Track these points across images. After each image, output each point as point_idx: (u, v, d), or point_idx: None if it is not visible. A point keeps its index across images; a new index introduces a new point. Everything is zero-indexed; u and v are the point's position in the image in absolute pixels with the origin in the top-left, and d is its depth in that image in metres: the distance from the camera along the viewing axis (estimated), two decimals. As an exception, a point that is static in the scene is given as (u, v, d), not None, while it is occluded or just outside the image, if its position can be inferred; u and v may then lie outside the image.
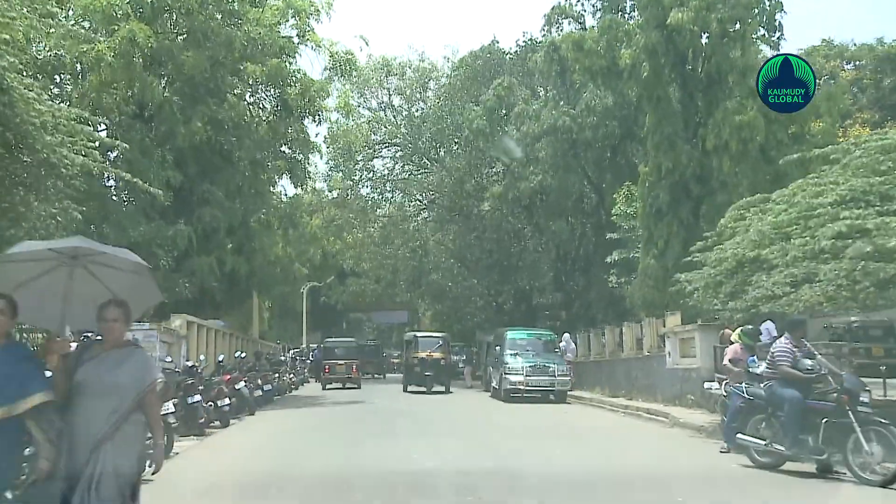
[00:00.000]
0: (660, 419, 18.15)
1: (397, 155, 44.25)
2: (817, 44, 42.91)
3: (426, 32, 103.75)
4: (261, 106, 27.35)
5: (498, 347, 25.86)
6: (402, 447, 13.74)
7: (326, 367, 33.70)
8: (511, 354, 25.13)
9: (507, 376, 24.44)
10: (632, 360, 24.81)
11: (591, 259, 36.06)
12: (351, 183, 43.12)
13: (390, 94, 42.69)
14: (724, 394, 12.66)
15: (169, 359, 17.91)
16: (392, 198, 45.39)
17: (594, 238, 32.36)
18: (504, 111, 33.00)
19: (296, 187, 29.00)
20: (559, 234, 30.29)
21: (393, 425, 17.85)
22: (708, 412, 16.55)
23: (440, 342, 30.04)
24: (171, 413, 12.48)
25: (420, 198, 43.47)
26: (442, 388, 28.62)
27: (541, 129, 30.63)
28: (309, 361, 42.84)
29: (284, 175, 27.63)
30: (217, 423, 17.16)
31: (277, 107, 26.58)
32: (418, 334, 33.00)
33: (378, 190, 44.49)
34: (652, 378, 22.30)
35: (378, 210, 44.92)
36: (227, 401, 17.65)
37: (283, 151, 27.58)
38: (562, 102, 30.87)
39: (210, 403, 16.98)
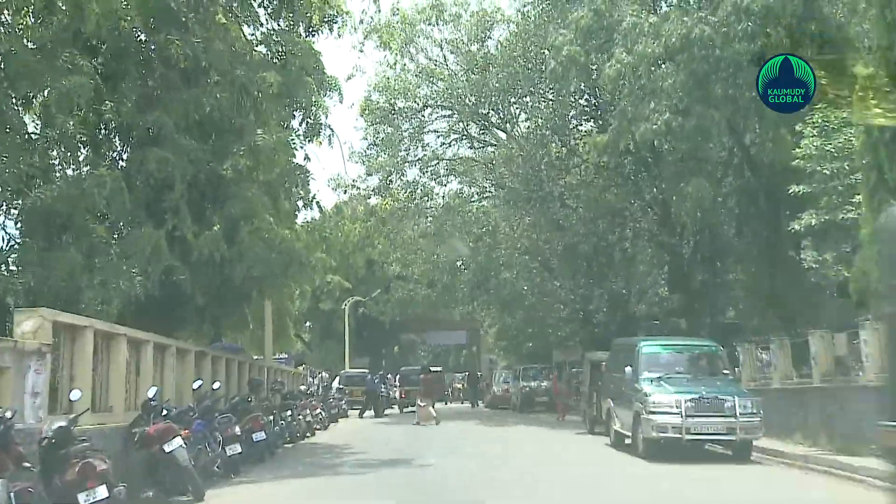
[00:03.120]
0: None
1: (452, 125, 34.49)
2: None
3: None
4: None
5: (628, 369, 15.77)
6: None
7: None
8: (652, 380, 15.18)
9: (651, 416, 14.47)
10: (844, 388, 14.69)
11: (725, 243, 25.87)
12: (395, 161, 33.52)
13: (441, 47, 33.09)
14: None
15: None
16: (447, 182, 35.63)
17: (749, 202, 22.14)
18: (603, 35, 23.18)
19: (308, 141, 19.34)
20: (697, 198, 20.30)
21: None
22: None
23: None
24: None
25: (483, 180, 33.52)
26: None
27: (663, 48, 20.80)
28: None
29: (287, 115, 18.02)
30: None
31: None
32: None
33: (429, 171, 34.74)
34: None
35: (429, 200, 35.17)
36: (98, 494, 8.05)
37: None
38: (694, 3, 21.05)
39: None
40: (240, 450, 14.17)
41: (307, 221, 20.39)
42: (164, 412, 12.49)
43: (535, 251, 31.68)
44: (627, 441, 16.49)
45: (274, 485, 12.73)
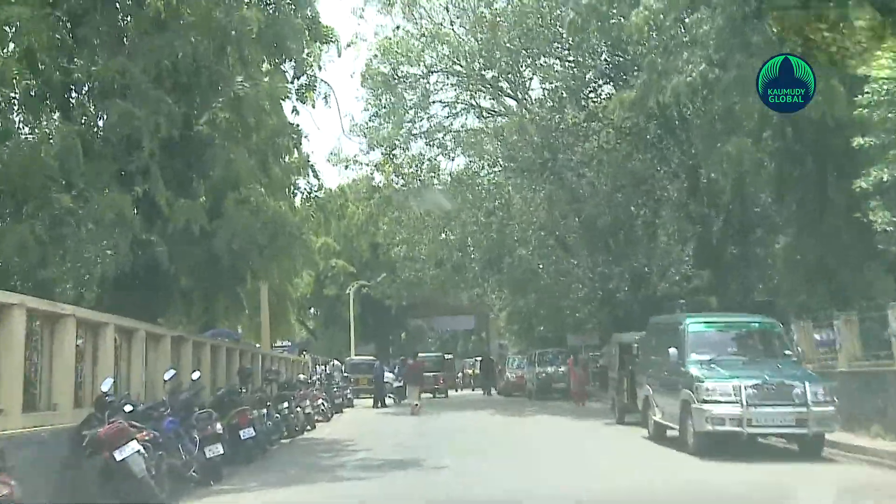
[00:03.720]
0: None
1: (459, 94, 32.13)
2: None
3: None
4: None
5: (672, 350, 13.47)
6: None
7: None
8: (702, 363, 12.97)
9: (704, 406, 12.25)
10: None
11: (761, 211, 23.65)
12: (399, 132, 31.21)
13: (448, 8, 30.63)
14: None
15: None
16: (455, 156, 33.24)
17: (793, 164, 19.81)
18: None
19: (302, 101, 17.01)
20: (737, 160, 18.02)
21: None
22: None
23: None
24: None
25: (494, 152, 31.07)
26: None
27: (699, -11, 18.47)
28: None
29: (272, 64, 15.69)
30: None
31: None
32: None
33: (435, 143, 32.37)
34: None
35: (435, 176, 32.81)
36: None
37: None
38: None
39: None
40: (222, 450, 12.06)
41: (302, 190, 18.09)
42: (130, 409, 10.43)
43: (550, 227, 29.41)
44: (670, 433, 14.35)
45: (259, 495, 10.58)
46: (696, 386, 12.48)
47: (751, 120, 19.61)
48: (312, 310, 58.91)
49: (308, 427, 20.85)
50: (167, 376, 12.18)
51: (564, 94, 24.99)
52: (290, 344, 42.28)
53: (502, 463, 12.67)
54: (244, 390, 16.60)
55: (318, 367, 39.98)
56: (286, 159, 16.32)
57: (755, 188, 22.07)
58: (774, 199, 21.42)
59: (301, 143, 16.14)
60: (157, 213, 13.68)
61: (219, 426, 12.26)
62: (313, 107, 17.44)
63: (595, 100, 25.85)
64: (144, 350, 12.49)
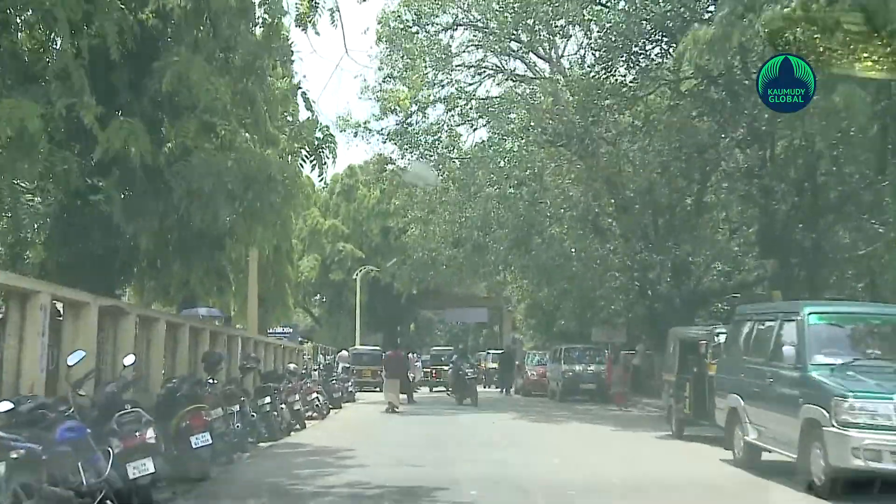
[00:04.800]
0: None
1: (484, 56, 28.40)
2: None
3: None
4: None
5: (788, 349, 9.67)
6: None
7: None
8: (834, 369, 9.18)
9: (850, 432, 8.43)
10: None
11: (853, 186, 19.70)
12: (415, 94, 27.44)
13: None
14: None
15: None
16: (477, 126, 29.40)
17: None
18: None
19: (301, 26, 13.15)
20: (847, 111, 14.15)
21: None
22: None
23: None
24: None
25: (522, 119, 27.11)
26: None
27: None
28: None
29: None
30: None
31: None
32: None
33: (457, 110, 28.58)
34: None
35: (453, 150, 29.03)
36: None
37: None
38: None
39: None
40: (152, 469, 8.37)
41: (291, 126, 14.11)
42: (7, 407, 6.91)
43: (584, 207, 25.54)
44: (767, 458, 10.64)
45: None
46: (833, 402, 8.68)
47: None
48: (318, 296, 55.44)
49: (297, 426, 17.30)
50: (72, 360, 8.44)
51: (617, 45, 20.90)
52: (291, 331, 38.70)
53: (542, 494, 9.01)
54: (213, 381, 12.97)
55: (321, 356, 36.69)
56: (269, 87, 12.45)
57: (846, 158, 18.19)
58: (876, 170, 17.48)
59: (291, 61, 12.31)
60: (86, 138, 10.02)
61: (150, 433, 8.56)
62: (316, 32, 13.63)
63: (650, 57, 21.88)
64: (44, 324, 8.75)
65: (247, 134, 11.90)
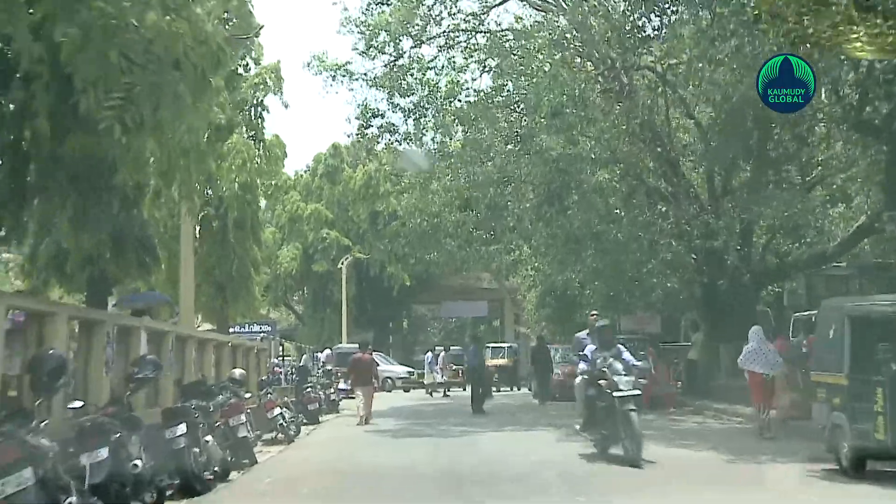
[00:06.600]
0: None
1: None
2: None
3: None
4: None
5: None
6: None
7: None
8: None
9: None
10: None
11: None
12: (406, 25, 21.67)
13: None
14: None
15: None
16: (485, 68, 23.41)
17: None
18: None
19: None
20: None
21: None
22: None
23: None
24: None
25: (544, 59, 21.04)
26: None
27: None
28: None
29: None
30: None
31: None
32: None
33: (459, 47, 22.65)
34: None
35: (453, 100, 23.12)
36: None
37: None
38: None
39: None
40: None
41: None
42: None
43: (628, 162, 19.59)
44: None
45: None
46: None
47: None
48: (301, 291, 49.82)
49: (244, 461, 11.71)
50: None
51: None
52: (269, 329, 32.74)
53: None
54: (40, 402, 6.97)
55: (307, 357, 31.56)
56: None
57: None
58: None
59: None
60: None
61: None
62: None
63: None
64: None
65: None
